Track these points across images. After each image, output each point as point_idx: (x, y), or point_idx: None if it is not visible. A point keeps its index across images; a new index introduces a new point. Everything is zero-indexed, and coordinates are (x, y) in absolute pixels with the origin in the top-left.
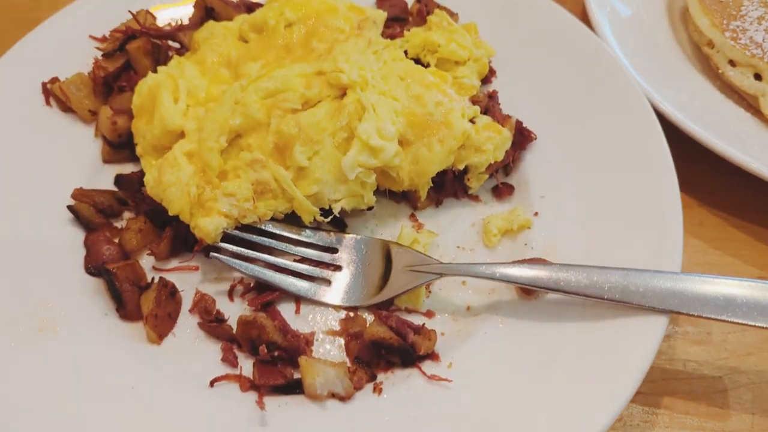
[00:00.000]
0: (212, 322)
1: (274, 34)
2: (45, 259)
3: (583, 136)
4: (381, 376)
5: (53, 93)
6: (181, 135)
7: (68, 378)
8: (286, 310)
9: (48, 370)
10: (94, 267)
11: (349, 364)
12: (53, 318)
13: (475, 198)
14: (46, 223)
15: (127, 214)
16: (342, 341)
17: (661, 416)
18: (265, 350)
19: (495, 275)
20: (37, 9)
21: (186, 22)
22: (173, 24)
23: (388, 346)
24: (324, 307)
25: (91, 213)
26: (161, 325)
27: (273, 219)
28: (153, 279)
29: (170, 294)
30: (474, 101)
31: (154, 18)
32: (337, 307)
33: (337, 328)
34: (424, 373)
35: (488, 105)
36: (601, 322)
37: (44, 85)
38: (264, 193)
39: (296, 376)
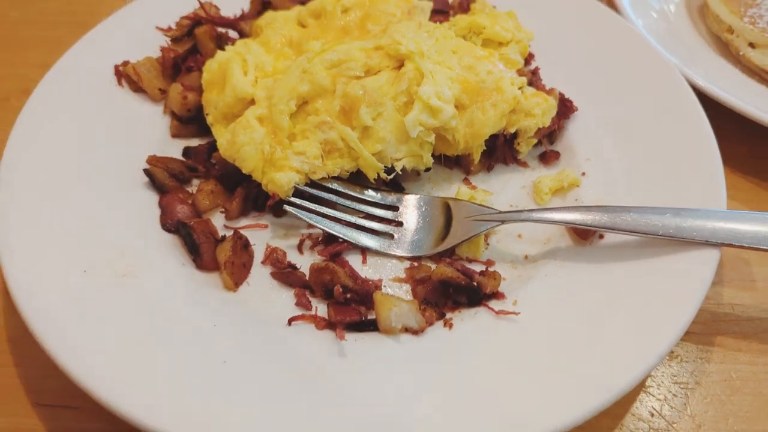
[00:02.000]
0: (286, 269)
1: (332, 18)
2: (123, 218)
3: (621, 106)
4: (449, 315)
5: (125, 74)
6: (251, 103)
7: (151, 317)
8: (353, 261)
9: (131, 310)
10: (171, 223)
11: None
12: (134, 266)
13: (523, 164)
14: (123, 188)
15: (195, 182)
16: (408, 287)
17: (715, 353)
18: (340, 290)
19: (554, 219)
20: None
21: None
22: (234, 15)
23: (455, 285)
24: (389, 259)
25: (165, 176)
26: (237, 273)
27: (338, 178)
28: (225, 235)
29: (244, 246)
30: (519, 74)
31: (218, 9)
32: (401, 258)
33: (403, 275)
34: (491, 309)
35: (532, 80)
36: (656, 258)
37: (116, 67)
38: (331, 152)
39: (369, 317)
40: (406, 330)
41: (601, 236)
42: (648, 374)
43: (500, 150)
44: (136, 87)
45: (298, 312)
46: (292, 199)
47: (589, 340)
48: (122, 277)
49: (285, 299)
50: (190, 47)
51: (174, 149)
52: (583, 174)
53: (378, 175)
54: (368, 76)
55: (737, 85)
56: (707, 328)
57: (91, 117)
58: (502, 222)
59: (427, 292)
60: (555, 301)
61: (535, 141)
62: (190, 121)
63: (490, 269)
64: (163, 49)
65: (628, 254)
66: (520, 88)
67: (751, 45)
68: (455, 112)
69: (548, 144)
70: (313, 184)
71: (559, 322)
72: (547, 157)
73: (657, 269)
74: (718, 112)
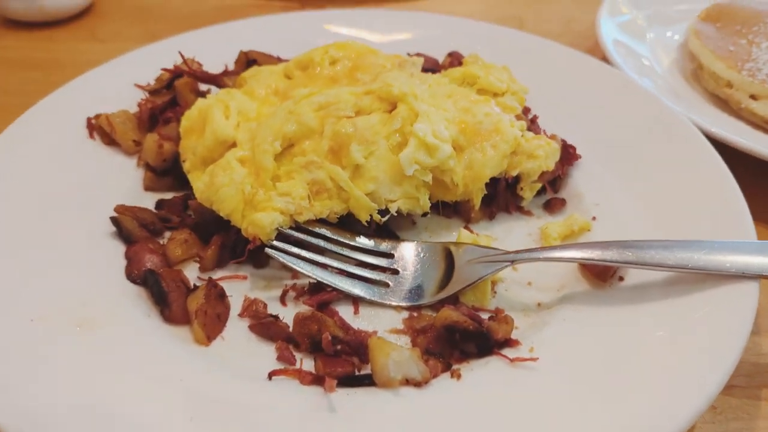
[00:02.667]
0: (266, 319)
1: (320, 69)
2: (86, 268)
3: (627, 150)
4: (456, 366)
5: (97, 126)
6: (232, 146)
7: (108, 370)
8: (343, 313)
9: (86, 362)
10: (137, 273)
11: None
12: (93, 316)
13: (527, 212)
14: (88, 238)
15: (167, 235)
16: (408, 339)
17: (763, 407)
18: (329, 338)
19: (570, 257)
20: None
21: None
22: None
23: (463, 331)
24: (384, 309)
25: (134, 225)
26: (210, 325)
27: (327, 223)
28: (197, 285)
29: (219, 296)
30: (517, 120)
31: (200, 65)
32: (398, 308)
33: (401, 326)
34: (505, 357)
35: (531, 127)
36: (687, 296)
37: (89, 119)
38: (319, 193)
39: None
40: (407, 382)
41: (621, 278)
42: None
43: (502, 196)
44: (109, 140)
45: (280, 367)
46: (276, 243)
47: (617, 390)
48: (77, 327)
49: (265, 354)
50: (170, 99)
51: (147, 203)
52: (594, 218)
53: (371, 218)
54: (359, 116)
55: (742, 133)
56: (751, 381)
57: (57, 167)
58: (512, 263)
59: (430, 342)
60: (576, 348)
61: (539, 186)
62: (166, 173)
63: (503, 317)
64: (140, 102)
65: (654, 295)
66: (520, 132)
67: (753, 97)
68: (453, 152)
69: (552, 191)
70: (298, 228)
71: (581, 370)
72: (552, 205)
73: (689, 309)
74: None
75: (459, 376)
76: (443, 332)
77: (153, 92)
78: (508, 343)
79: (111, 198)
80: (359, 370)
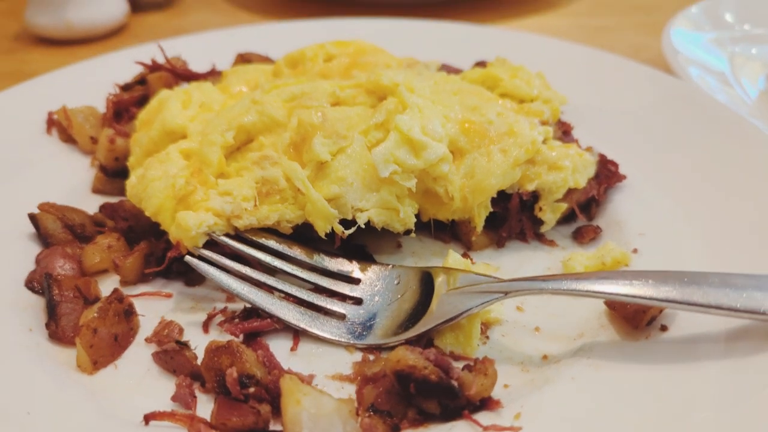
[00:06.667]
0: (171, 347)
1: (312, 65)
2: None
3: (690, 173)
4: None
5: (57, 122)
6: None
7: None
8: (279, 347)
9: None
10: (39, 278)
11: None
12: None
13: (549, 241)
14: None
15: None
16: (352, 389)
17: None
18: (234, 376)
19: (590, 290)
20: None
21: None
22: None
23: (420, 381)
24: (334, 348)
25: (56, 226)
26: (99, 347)
27: (277, 234)
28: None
29: (125, 313)
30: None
31: (185, 63)
32: (351, 347)
33: (349, 371)
34: (477, 423)
35: (561, 138)
36: (755, 359)
37: (50, 114)
38: (270, 194)
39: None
40: None
41: (664, 327)
42: None
43: (515, 217)
44: (67, 137)
45: (175, 408)
46: (204, 252)
47: None
48: None
49: (161, 391)
50: (140, 95)
51: (91, 207)
52: (635, 251)
53: (333, 232)
54: (333, 108)
55: None
56: None
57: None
58: (506, 294)
59: (378, 395)
60: (581, 421)
61: (563, 208)
62: (117, 174)
63: (482, 366)
64: (108, 98)
65: (708, 353)
66: (544, 141)
67: None
68: (448, 155)
69: (585, 216)
70: (241, 239)
71: None
72: (583, 233)
73: (756, 377)
74: None
75: None
76: (395, 382)
77: (124, 87)
78: (486, 404)
79: (48, 197)
80: (266, 426)
